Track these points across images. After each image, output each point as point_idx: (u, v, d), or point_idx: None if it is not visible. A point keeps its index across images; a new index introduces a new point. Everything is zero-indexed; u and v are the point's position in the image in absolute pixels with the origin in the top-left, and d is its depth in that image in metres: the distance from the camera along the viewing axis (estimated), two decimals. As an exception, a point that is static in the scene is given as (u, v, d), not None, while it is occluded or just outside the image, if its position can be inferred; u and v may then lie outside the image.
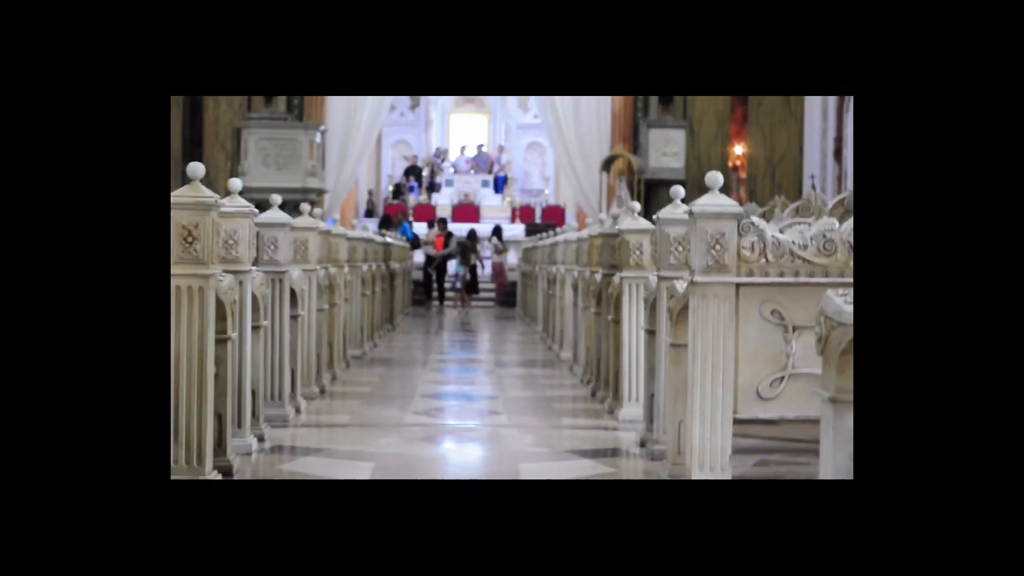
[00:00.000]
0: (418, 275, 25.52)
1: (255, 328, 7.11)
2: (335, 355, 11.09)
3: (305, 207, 9.63)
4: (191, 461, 5.57)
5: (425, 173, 34.74)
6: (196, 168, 5.66)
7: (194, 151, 20.95)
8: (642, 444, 7.18)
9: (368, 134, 25.02)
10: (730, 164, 23.94)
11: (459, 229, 28.54)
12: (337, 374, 11.03)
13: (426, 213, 32.04)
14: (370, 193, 33.02)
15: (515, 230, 29.60)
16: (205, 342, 5.60)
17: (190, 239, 5.56)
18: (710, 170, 6.10)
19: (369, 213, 30.97)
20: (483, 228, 28.87)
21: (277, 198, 8.24)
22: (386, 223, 25.35)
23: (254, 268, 7.21)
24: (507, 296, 25.57)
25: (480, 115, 36.34)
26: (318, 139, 22.00)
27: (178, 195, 5.54)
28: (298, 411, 8.58)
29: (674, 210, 6.68)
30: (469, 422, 8.64)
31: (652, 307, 7.09)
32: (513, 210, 32.65)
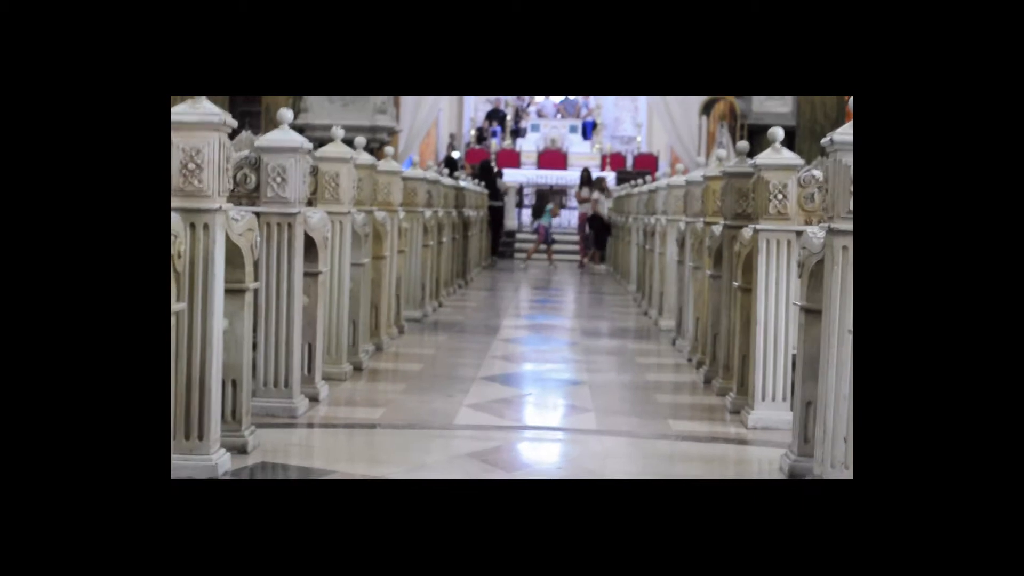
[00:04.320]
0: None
1: (234, 292, 4.91)
2: (382, 320, 8.90)
3: (338, 131, 7.39)
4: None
5: (509, 117, 32.55)
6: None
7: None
8: (792, 475, 4.94)
9: (447, 71, 22.76)
10: (847, 110, 21.48)
11: (540, 177, 26.46)
12: (384, 344, 8.86)
13: (509, 160, 29.94)
14: (451, 137, 30.88)
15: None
16: (107, 321, 3.43)
17: (83, 152, 3.38)
18: (824, 117, 4.67)
19: (450, 163, 28.73)
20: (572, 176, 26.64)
21: (287, 113, 6.01)
22: (449, 165, 23.17)
23: (235, 207, 5.05)
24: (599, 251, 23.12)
25: (569, 56, 33.91)
26: (389, 72, 19.77)
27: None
28: (315, 400, 6.41)
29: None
30: (542, 427, 6.41)
31: (812, 274, 4.82)
32: (603, 157, 30.32)
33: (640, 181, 17.93)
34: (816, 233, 4.84)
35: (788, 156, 6.01)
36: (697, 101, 23.23)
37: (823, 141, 4.53)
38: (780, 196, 5.95)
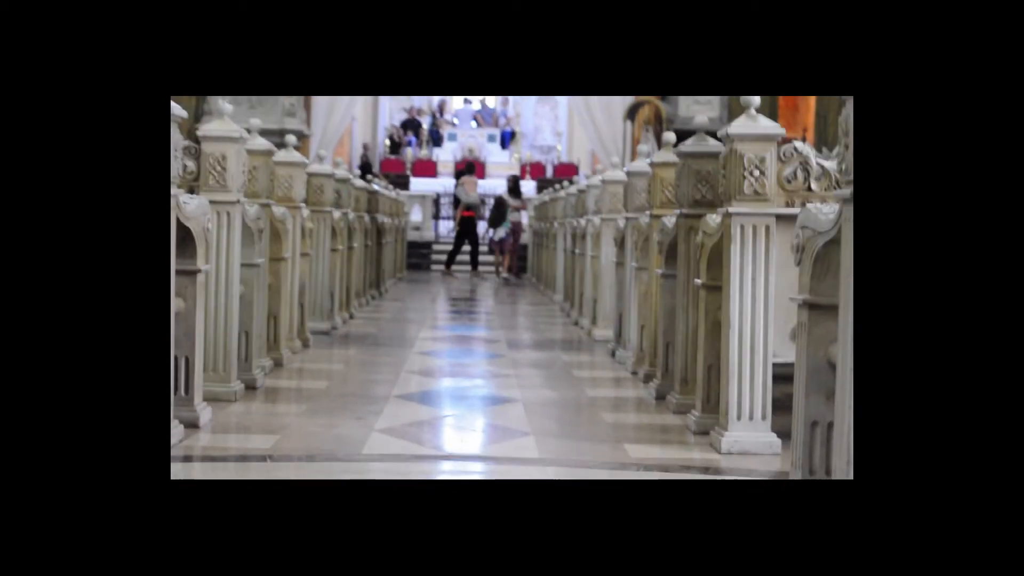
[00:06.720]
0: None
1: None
2: (282, 332, 7.77)
3: (225, 106, 6.28)
4: None
5: (426, 126, 31.48)
6: None
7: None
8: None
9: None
10: (779, 113, 20.65)
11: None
12: (284, 359, 7.73)
13: (426, 169, 28.90)
14: (365, 147, 29.73)
15: (526, 187, 26.03)
16: None
17: None
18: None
19: (364, 167, 27.49)
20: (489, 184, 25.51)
21: (155, 74, 4.87)
22: (364, 169, 22.01)
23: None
24: (520, 262, 21.89)
25: (484, 64, 32.89)
26: (298, 73, 18.60)
27: None
28: (193, 427, 5.28)
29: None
30: (471, 456, 5.31)
31: (818, 259, 3.79)
32: (522, 166, 29.31)
33: (566, 183, 16.92)
34: (821, 208, 3.81)
35: (767, 124, 4.98)
36: (622, 105, 22.34)
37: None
38: (757, 172, 4.92)
